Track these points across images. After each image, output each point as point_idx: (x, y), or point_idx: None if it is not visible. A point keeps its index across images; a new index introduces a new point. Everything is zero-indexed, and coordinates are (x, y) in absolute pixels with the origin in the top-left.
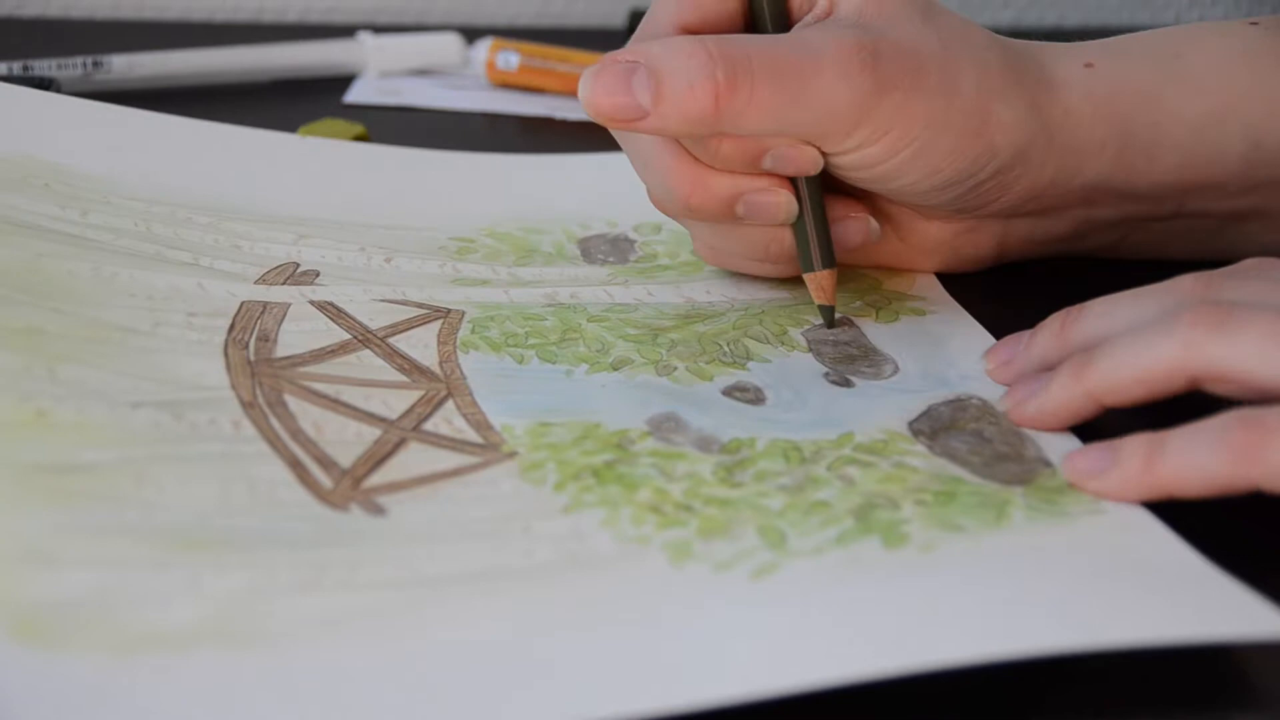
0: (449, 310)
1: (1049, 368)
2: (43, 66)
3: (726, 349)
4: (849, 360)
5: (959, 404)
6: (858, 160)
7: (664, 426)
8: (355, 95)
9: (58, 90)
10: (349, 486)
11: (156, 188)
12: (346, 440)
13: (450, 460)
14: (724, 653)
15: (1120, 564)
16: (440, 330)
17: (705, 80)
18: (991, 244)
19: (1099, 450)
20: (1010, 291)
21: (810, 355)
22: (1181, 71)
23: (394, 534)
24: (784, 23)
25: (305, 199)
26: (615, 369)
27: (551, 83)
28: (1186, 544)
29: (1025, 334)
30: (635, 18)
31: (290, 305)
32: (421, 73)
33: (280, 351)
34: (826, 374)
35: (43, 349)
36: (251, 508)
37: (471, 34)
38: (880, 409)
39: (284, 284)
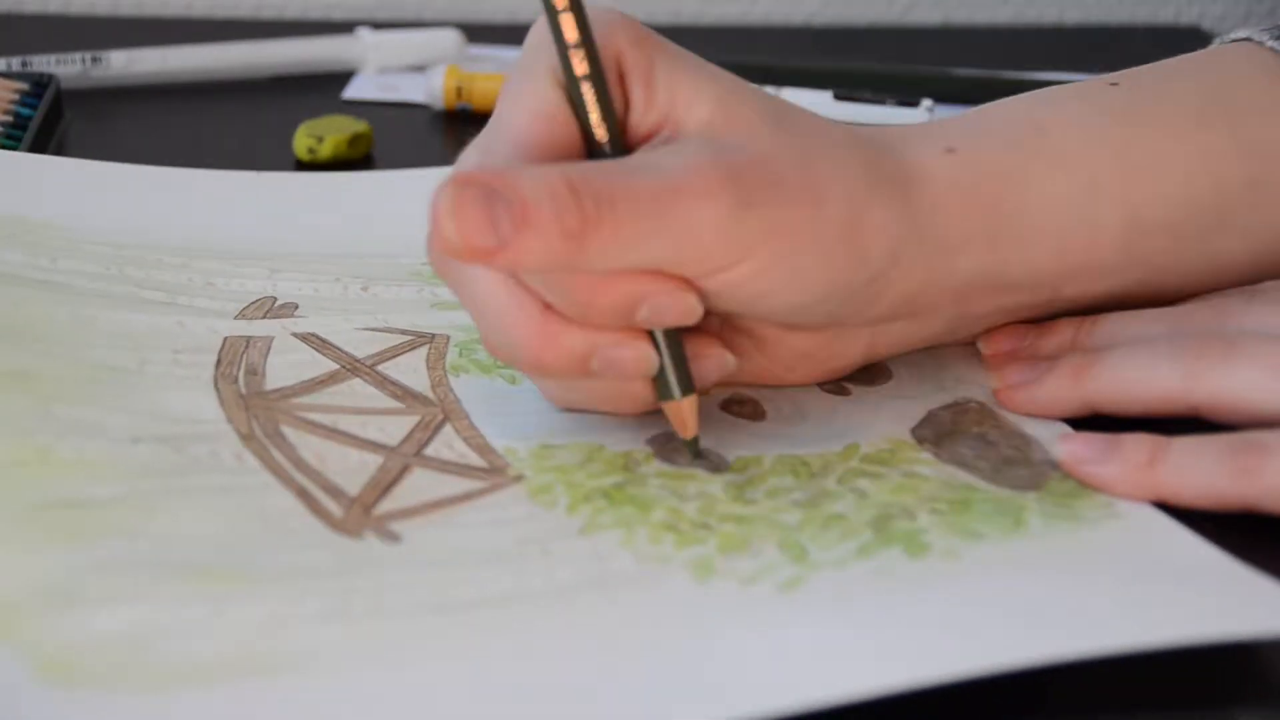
0: (434, 335)
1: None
2: (42, 62)
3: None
4: None
5: (958, 408)
6: (725, 285)
7: (667, 448)
8: (354, 91)
9: (57, 86)
10: (360, 514)
11: (122, 233)
12: (351, 469)
13: (457, 485)
14: (761, 667)
15: (1145, 566)
16: (428, 355)
17: (571, 212)
18: (859, 350)
19: (1100, 440)
20: None
21: None
22: (1046, 148)
23: (414, 560)
24: (622, 146)
25: (274, 234)
26: None
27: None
28: (1208, 542)
29: (1027, 329)
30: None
31: (274, 338)
32: (420, 68)
33: (270, 384)
34: (823, 384)
35: (36, 390)
36: (265, 538)
37: (470, 30)
38: (881, 418)
39: (264, 318)
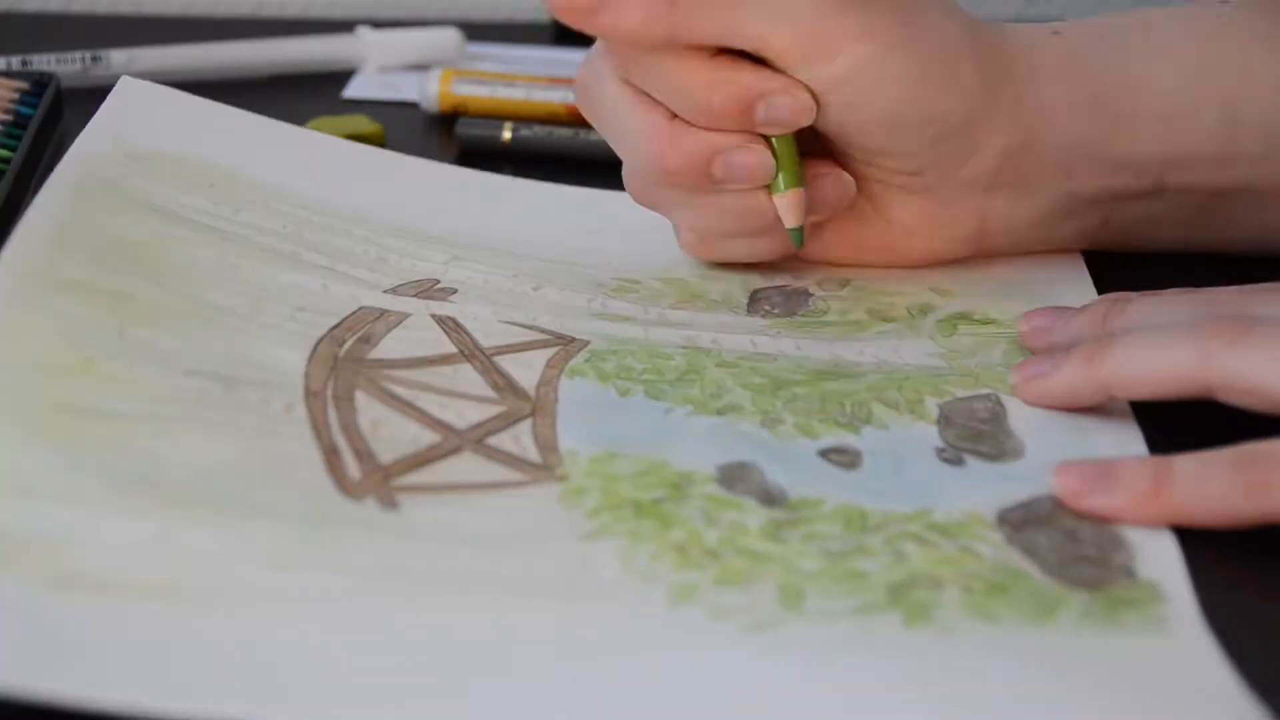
0: (572, 339)
1: None
2: (42, 61)
3: (849, 409)
4: (974, 437)
5: None
6: (821, 84)
7: (733, 474)
8: (354, 90)
9: (57, 85)
10: (376, 480)
11: (323, 202)
12: (401, 440)
13: (495, 474)
14: (692, 698)
15: (1148, 686)
16: (553, 356)
17: None
18: (972, 222)
19: (1093, 470)
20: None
21: (936, 428)
22: (1151, 41)
23: (394, 528)
24: None
25: (472, 226)
26: (719, 414)
27: (509, 108)
28: (1241, 684)
29: (1062, 310)
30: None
31: (409, 315)
32: (420, 67)
33: (376, 354)
34: (941, 449)
35: (123, 311)
36: (261, 480)
37: (470, 29)
38: (977, 494)
39: (414, 296)
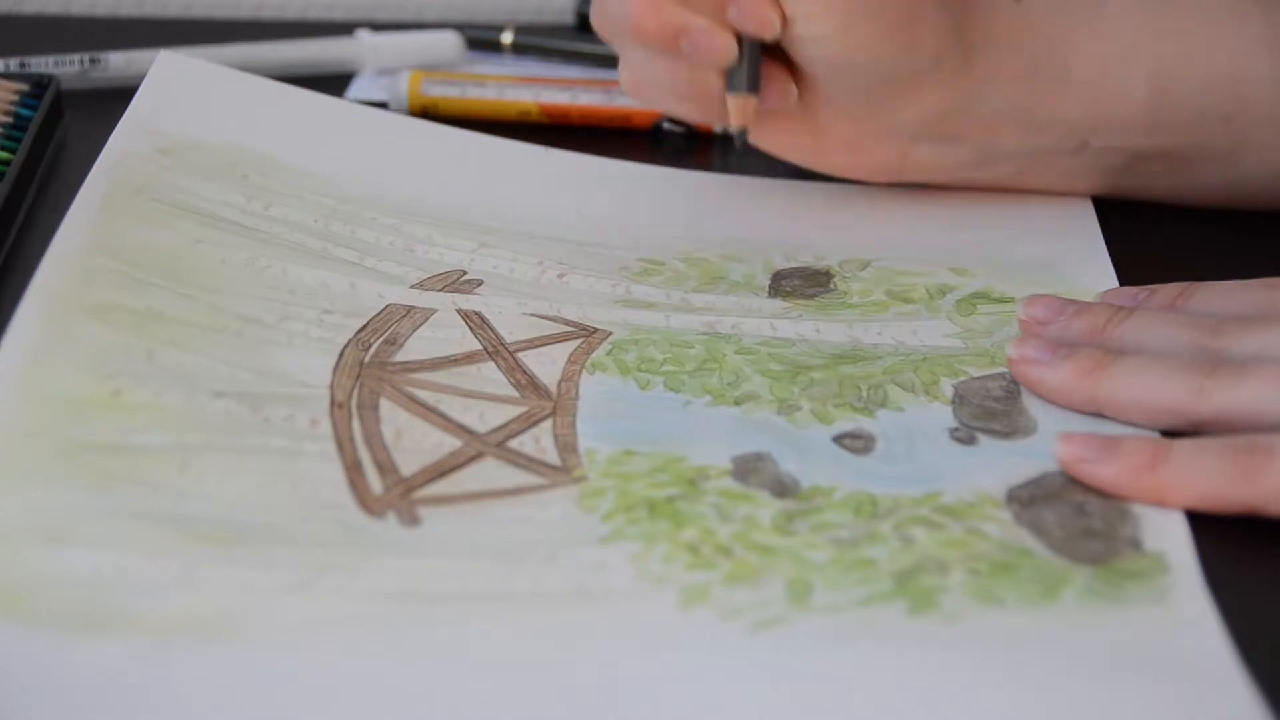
0: (595, 330)
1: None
2: (40, 63)
3: (864, 393)
4: (987, 415)
5: None
6: (792, 12)
7: (747, 466)
8: (355, 92)
9: (57, 87)
10: (397, 494)
11: (356, 182)
12: (423, 449)
13: (516, 479)
14: (699, 697)
15: (1150, 660)
16: (575, 350)
17: None
18: (893, 158)
19: (1099, 440)
20: None
21: (950, 408)
22: (1097, 16)
23: (411, 547)
24: None
25: (502, 204)
26: (737, 404)
27: (482, 110)
28: (1239, 661)
29: (1066, 303)
30: (583, 17)
31: (435, 311)
32: (422, 70)
33: (401, 356)
34: (954, 429)
35: (152, 332)
36: (284, 505)
37: (470, 31)
38: (987, 471)
39: (440, 290)
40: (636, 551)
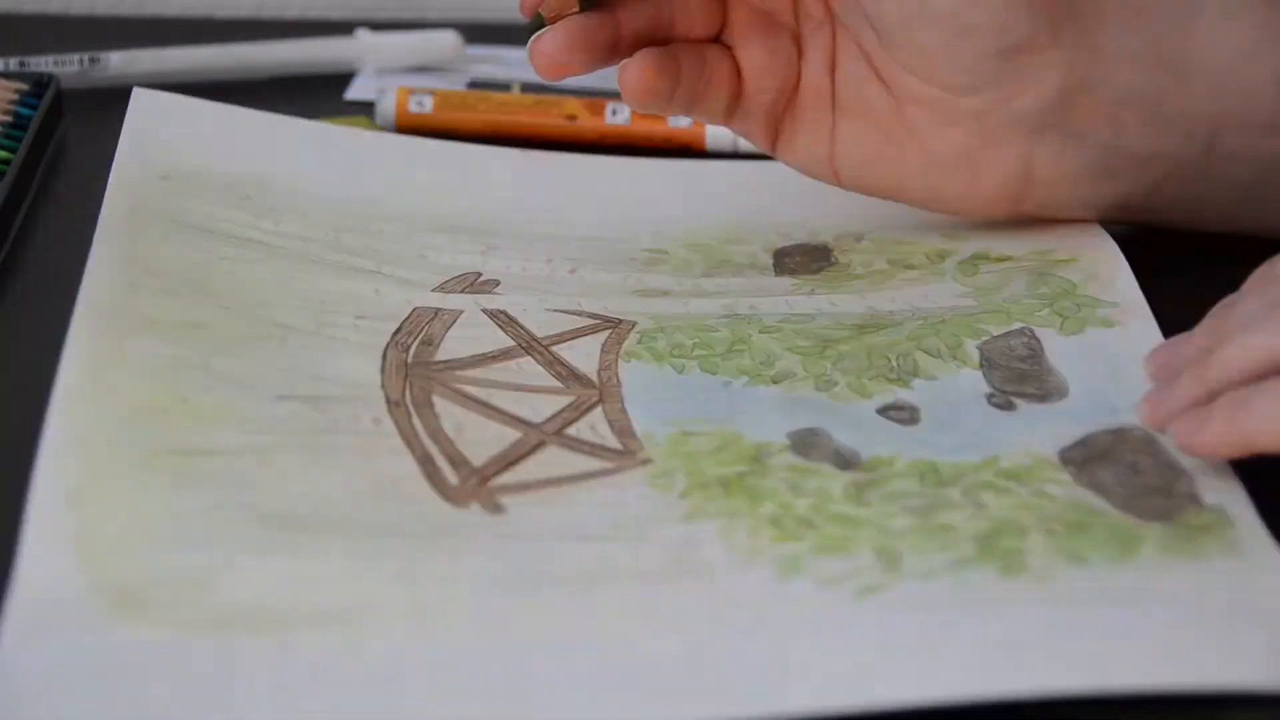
0: (620, 321)
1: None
2: (40, 63)
3: (895, 363)
4: (1019, 379)
5: (1121, 434)
6: None
7: (805, 441)
8: (356, 92)
9: (57, 86)
10: (474, 485)
11: (352, 199)
12: (485, 441)
13: (584, 464)
14: (815, 666)
15: (1238, 612)
16: (606, 340)
17: None
18: (1015, 167)
19: (1190, 414)
20: (1213, 298)
21: (980, 372)
22: (1213, 4)
23: (509, 533)
24: None
25: (501, 210)
26: (775, 382)
27: (470, 122)
28: None
29: (1182, 338)
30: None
31: (463, 312)
32: (420, 70)
33: (441, 356)
34: (990, 395)
35: (202, 341)
36: (370, 499)
37: (470, 30)
38: (1035, 434)
39: (462, 292)
40: (721, 527)
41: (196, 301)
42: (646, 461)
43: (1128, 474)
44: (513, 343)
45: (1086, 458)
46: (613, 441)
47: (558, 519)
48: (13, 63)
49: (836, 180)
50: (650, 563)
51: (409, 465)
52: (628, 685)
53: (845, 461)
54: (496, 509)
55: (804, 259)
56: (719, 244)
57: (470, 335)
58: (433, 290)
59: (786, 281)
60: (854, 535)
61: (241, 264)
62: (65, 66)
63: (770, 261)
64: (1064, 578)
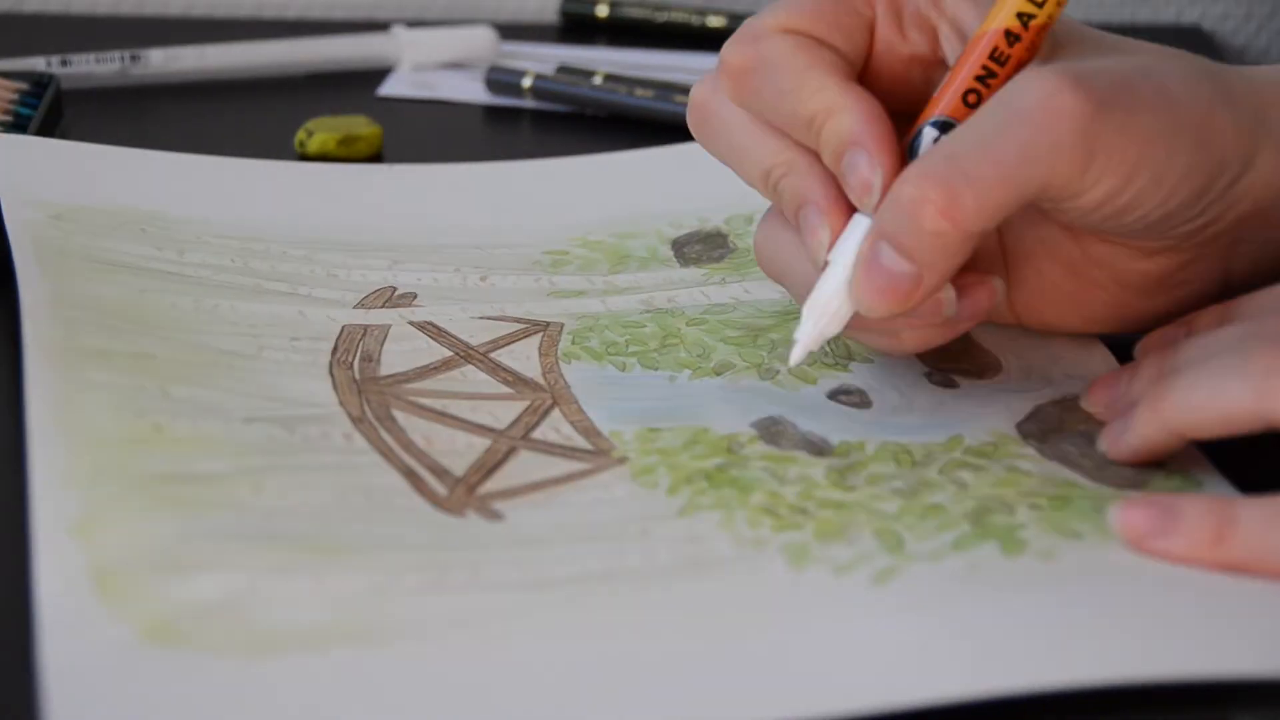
0: (548, 323)
1: None
2: (40, 62)
3: (827, 348)
4: (952, 358)
5: (1066, 404)
6: (1095, 199)
7: (771, 430)
8: (389, 89)
9: (57, 86)
10: (464, 494)
11: (249, 227)
12: (457, 450)
13: (561, 466)
14: (849, 663)
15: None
16: (541, 343)
17: (926, 207)
18: (1216, 274)
19: (1158, 511)
20: None
21: None
22: None
23: (515, 538)
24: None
25: (397, 226)
26: (718, 374)
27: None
28: None
29: (1119, 374)
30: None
31: (391, 326)
32: (455, 66)
33: (385, 370)
34: (929, 374)
35: (154, 371)
36: (370, 513)
37: (502, 29)
38: (988, 411)
39: (383, 307)
40: (720, 519)
41: (137, 333)
42: (623, 459)
43: (1086, 444)
44: (450, 352)
45: (1044, 430)
46: (581, 442)
47: (560, 521)
48: (55, 60)
49: (1018, 321)
50: (661, 559)
51: (395, 479)
52: (656, 686)
53: (816, 448)
54: (494, 516)
55: (703, 247)
56: (615, 239)
57: (408, 348)
58: (354, 307)
59: (697, 272)
60: (851, 520)
61: (165, 295)
62: (106, 64)
63: (670, 253)
64: (1064, 555)
